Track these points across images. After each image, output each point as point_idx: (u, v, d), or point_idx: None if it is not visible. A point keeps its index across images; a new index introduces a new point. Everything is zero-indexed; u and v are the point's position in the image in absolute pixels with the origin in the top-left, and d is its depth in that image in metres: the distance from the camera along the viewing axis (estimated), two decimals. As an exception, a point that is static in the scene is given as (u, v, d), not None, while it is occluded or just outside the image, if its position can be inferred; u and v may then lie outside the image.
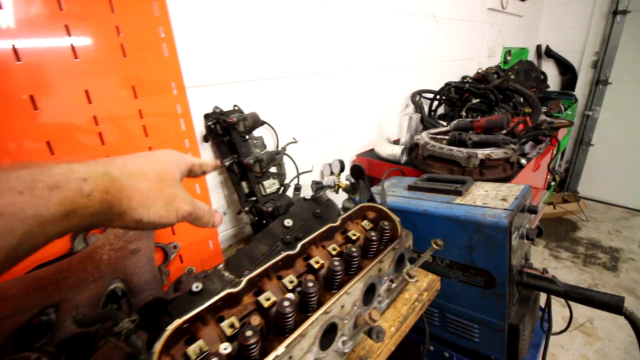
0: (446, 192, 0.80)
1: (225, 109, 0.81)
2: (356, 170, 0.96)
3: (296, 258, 0.55)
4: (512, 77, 2.32)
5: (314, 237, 0.59)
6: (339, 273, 0.54)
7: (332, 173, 1.07)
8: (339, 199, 1.05)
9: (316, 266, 0.53)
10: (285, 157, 0.87)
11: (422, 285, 0.72)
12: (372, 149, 1.29)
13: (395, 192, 0.89)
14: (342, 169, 1.06)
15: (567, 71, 3.03)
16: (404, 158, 1.14)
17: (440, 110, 1.73)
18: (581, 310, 1.80)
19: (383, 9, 1.28)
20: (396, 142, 1.33)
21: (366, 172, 1.21)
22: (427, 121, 1.35)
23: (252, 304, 0.45)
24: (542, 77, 2.36)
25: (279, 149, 0.90)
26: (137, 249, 0.51)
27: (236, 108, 0.79)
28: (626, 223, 2.66)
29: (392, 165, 1.13)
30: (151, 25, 0.61)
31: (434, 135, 1.10)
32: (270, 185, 0.80)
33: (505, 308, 0.67)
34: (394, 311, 0.66)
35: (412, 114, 1.24)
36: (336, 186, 1.02)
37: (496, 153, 0.92)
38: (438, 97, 1.56)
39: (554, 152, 1.57)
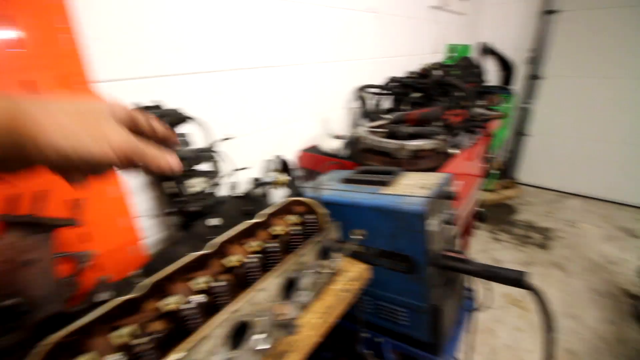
0: (374, 183, 0.83)
1: (148, 105, 0.77)
2: (283, 165, 0.96)
3: (211, 258, 0.54)
4: (457, 72, 2.45)
5: (231, 235, 0.58)
6: (254, 270, 0.54)
7: (290, 168, 1.07)
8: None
9: (229, 265, 0.53)
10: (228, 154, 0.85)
11: (350, 275, 0.74)
12: (317, 145, 1.30)
13: (331, 185, 0.90)
14: (284, 165, 1.06)
15: (507, 67, 3.25)
16: (347, 151, 1.17)
17: (388, 105, 1.79)
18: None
19: (322, 3, 1.28)
20: (342, 136, 1.35)
21: (312, 167, 1.22)
22: (370, 115, 1.38)
23: (155, 309, 0.44)
24: (482, 72, 2.51)
25: (212, 145, 0.87)
26: (31, 260, 0.47)
27: (155, 104, 0.75)
28: (557, 205, 2.93)
29: (335, 159, 1.15)
30: (44, 15, 0.56)
31: (373, 129, 1.13)
32: (196, 184, 0.78)
33: (426, 291, 0.72)
34: (321, 303, 0.67)
35: (354, 108, 1.26)
36: (274, 182, 1.01)
37: (426, 144, 0.97)
38: (383, 91, 1.61)
39: (489, 142, 1.68)
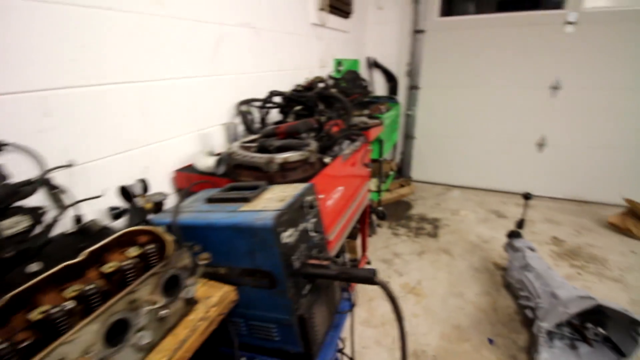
0: (237, 200, 0.81)
1: None
2: (124, 193, 0.88)
3: (11, 314, 0.44)
4: (344, 84, 2.63)
5: (36, 282, 0.49)
6: (60, 321, 0.46)
7: (134, 195, 0.96)
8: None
9: (34, 318, 0.44)
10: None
11: (212, 301, 0.70)
12: (193, 163, 1.23)
13: (193, 207, 0.85)
14: (145, 189, 0.96)
15: (391, 79, 3.63)
16: (222, 169, 1.12)
17: (279, 118, 1.81)
18: (413, 276, 2.17)
19: (190, 17, 1.23)
20: (218, 153, 1.30)
21: (190, 189, 1.14)
22: (250, 130, 1.37)
23: None
24: (367, 84, 2.76)
25: (40, 177, 0.74)
26: None
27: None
28: (443, 197, 3.35)
29: (207, 177, 1.10)
30: None
31: (245, 144, 1.12)
32: (13, 225, 0.65)
33: (289, 303, 0.71)
34: (172, 338, 0.61)
35: (229, 123, 1.23)
36: (137, 209, 0.91)
37: (293, 156, 0.99)
38: (266, 105, 1.62)
39: (369, 148, 1.82)
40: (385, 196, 3.12)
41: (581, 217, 2.85)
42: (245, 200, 0.80)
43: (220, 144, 1.42)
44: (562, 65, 2.90)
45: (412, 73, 3.48)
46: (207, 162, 1.14)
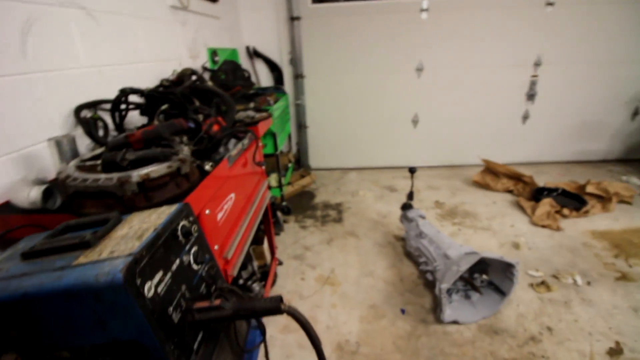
0: (69, 248, 0.56)
1: None
2: None
3: None
4: (223, 76, 2.38)
5: None
6: None
7: None
8: None
9: None
10: None
11: (43, 412, 0.46)
12: (11, 199, 0.87)
13: (3, 271, 0.57)
14: None
15: (275, 69, 3.51)
16: (55, 202, 0.82)
17: (144, 121, 1.48)
18: (326, 265, 2.15)
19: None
20: (48, 180, 0.96)
21: (3, 237, 0.80)
22: (99, 142, 1.06)
23: None
24: (249, 75, 2.57)
25: None
26: None
27: None
28: (342, 181, 3.47)
29: (34, 217, 0.78)
30: None
31: (84, 162, 0.83)
32: None
33: (174, 371, 0.53)
34: None
35: (60, 137, 0.91)
36: None
37: (157, 170, 0.77)
38: (120, 107, 1.29)
39: (261, 143, 1.67)
40: (288, 190, 3.04)
41: (453, 180, 3.32)
42: (85, 245, 0.56)
43: (52, 167, 1.06)
44: (422, 49, 3.26)
45: (295, 61, 3.43)
46: (31, 195, 0.81)
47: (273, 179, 2.62)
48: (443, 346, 1.53)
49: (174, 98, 1.30)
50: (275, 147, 2.39)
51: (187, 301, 0.60)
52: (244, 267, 1.63)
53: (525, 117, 3.48)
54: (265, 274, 1.83)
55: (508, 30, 3.15)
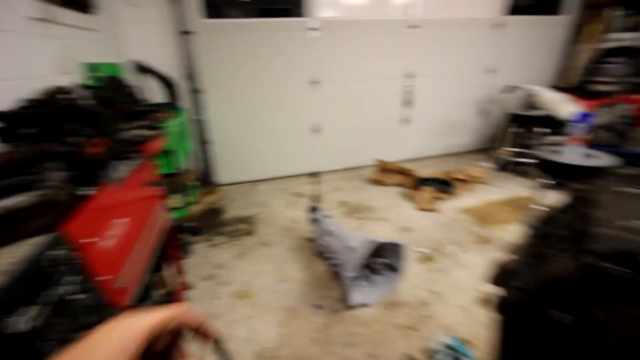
0: None
1: None
2: None
3: None
4: (107, 93, 2.18)
5: None
6: None
7: None
8: None
9: None
10: None
11: None
12: None
13: None
14: None
15: (168, 84, 3.34)
16: None
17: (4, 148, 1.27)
18: (240, 280, 2.14)
19: None
20: None
21: None
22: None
23: None
24: (135, 91, 2.41)
25: None
26: None
27: None
28: (252, 193, 3.48)
29: None
30: None
31: None
32: None
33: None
34: None
35: None
36: None
37: (21, 201, 0.71)
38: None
39: (154, 163, 1.60)
40: (195, 209, 2.91)
41: (354, 180, 3.66)
42: None
43: None
44: (316, 64, 3.53)
45: (192, 76, 3.33)
46: None
47: (176, 200, 2.49)
48: (353, 328, 1.69)
49: (43, 120, 1.17)
50: (175, 165, 2.29)
51: (68, 333, 0.58)
52: (146, 296, 1.53)
53: (407, 120, 4.06)
54: (171, 302, 1.74)
55: (386, 47, 3.66)
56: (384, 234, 2.56)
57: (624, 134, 3.10)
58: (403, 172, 3.45)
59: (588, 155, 1.77)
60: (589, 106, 3.43)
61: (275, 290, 2.03)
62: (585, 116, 1.92)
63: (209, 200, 3.14)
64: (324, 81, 3.61)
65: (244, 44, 3.34)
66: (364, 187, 3.46)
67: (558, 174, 1.84)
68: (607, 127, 3.17)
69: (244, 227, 2.79)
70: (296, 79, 3.55)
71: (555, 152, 1.86)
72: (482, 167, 3.73)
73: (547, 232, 0.79)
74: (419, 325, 1.68)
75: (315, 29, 3.41)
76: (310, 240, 2.50)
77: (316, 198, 2.43)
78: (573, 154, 1.80)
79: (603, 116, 3.22)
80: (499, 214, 2.75)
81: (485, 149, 4.46)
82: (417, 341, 1.60)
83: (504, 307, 0.59)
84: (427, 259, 2.20)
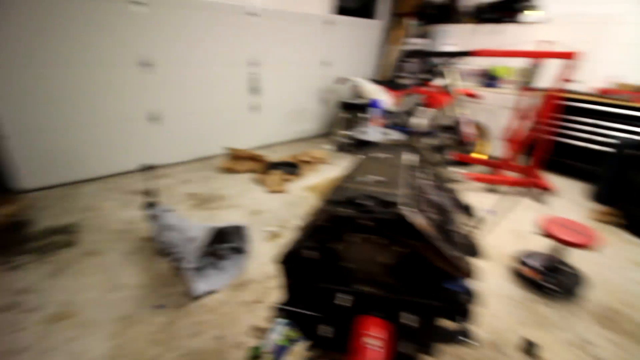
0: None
1: None
2: None
3: None
4: None
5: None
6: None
7: None
8: None
9: None
10: None
11: None
12: None
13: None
14: None
15: None
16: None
17: None
18: (56, 301, 1.75)
19: None
20: None
21: None
22: None
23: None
24: None
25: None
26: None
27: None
28: (74, 197, 2.87)
29: None
30: None
31: None
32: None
33: None
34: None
35: None
36: None
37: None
38: None
39: None
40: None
41: (205, 171, 3.50)
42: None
43: None
44: (144, 42, 3.11)
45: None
46: None
47: None
48: (200, 317, 1.64)
49: None
50: None
51: None
52: None
53: (256, 108, 4.12)
54: None
55: (226, 33, 3.56)
56: (235, 220, 2.56)
57: (414, 116, 4.05)
58: (254, 158, 3.52)
59: (384, 134, 2.23)
60: (396, 96, 4.30)
61: (104, 303, 1.75)
62: (376, 103, 2.41)
63: (4, 212, 2.41)
64: (158, 64, 3.25)
65: (50, 16, 2.64)
66: (215, 177, 3.35)
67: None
68: (407, 112, 4.07)
69: (60, 238, 2.27)
70: (121, 60, 3.06)
71: (364, 132, 2.26)
72: (324, 149, 4.18)
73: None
74: (265, 297, 1.78)
75: (140, 3, 3.00)
76: (150, 239, 2.26)
77: (152, 193, 2.20)
78: (375, 133, 2.23)
79: (405, 104, 4.10)
80: (336, 188, 3.15)
81: (327, 133, 5.01)
82: (263, 312, 1.68)
83: (282, 257, 0.68)
84: (274, 236, 2.33)
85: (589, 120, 3.59)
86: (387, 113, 4.02)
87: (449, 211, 0.81)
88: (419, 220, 0.58)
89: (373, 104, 2.39)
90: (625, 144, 2.98)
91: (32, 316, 1.67)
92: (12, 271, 1.97)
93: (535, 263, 2.00)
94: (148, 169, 2.14)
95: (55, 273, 1.96)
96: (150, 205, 2.14)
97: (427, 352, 0.63)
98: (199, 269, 1.81)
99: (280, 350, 1.40)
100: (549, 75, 3.62)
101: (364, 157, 0.97)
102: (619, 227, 2.75)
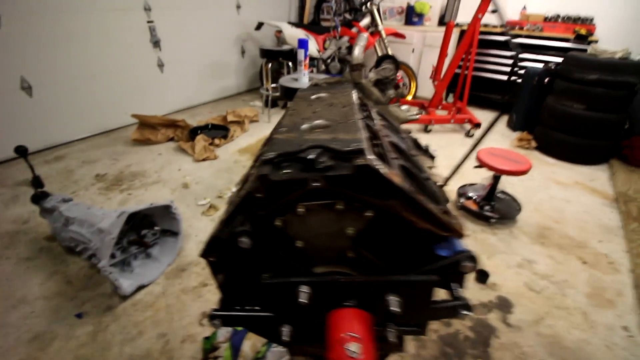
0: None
1: None
2: None
3: None
4: None
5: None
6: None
7: None
8: None
9: None
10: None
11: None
12: None
13: None
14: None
15: None
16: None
17: None
18: None
19: None
20: None
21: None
22: None
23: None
24: None
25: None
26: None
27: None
28: None
29: None
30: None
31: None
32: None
33: None
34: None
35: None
36: None
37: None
38: None
39: None
40: None
41: (113, 146, 2.95)
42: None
43: None
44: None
45: None
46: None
47: None
48: (134, 318, 1.41)
49: None
50: None
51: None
52: None
53: (161, 65, 3.51)
54: None
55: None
56: (162, 197, 2.22)
57: (343, 61, 3.86)
58: (172, 124, 3.05)
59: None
60: (320, 40, 4.02)
61: (7, 325, 1.40)
62: (305, 43, 2.17)
63: None
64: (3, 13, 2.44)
65: None
66: (127, 151, 2.85)
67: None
68: (333, 57, 3.85)
69: None
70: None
71: (294, 79, 2.03)
72: (252, 106, 3.83)
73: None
74: (211, 278, 1.59)
75: None
76: (53, 237, 1.85)
77: (36, 181, 1.74)
78: (307, 79, 2.02)
79: (330, 48, 3.86)
80: (272, 147, 2.93)
81: (254, 88, 4.59)
82: (212, 295, 1.51)
83: (204, 248, 0.49)
84: (211, 209, 2.09)
85: (503, 53, 3.80)
86: (313, 59, 3.75)
87: (414, 156, 0.69)
88: (393, 172, 0.44)
89: (302, 44, 2.13)
90: (542, 73, 3.22)
91: None
92: None
93: (474, 194, 2.11)
94: (21, 151, 1.66)
95: None
96: (41, 196, 1.71)
97: (423, 332, 0.53)
98: (122, 263, 1.53)
99: (237, 336, 1.27)
100: (467, 10, 3.66)
101: (298, 98, 0.78)
102: (534, 149, 3.07)
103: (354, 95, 0.75)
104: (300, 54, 2.11)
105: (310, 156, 0.45)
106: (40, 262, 1.71)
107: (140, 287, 1.52)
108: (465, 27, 3.32)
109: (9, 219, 2.03)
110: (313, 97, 0.78)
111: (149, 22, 3.25)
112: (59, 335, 1.35)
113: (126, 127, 3.27)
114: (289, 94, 1.95)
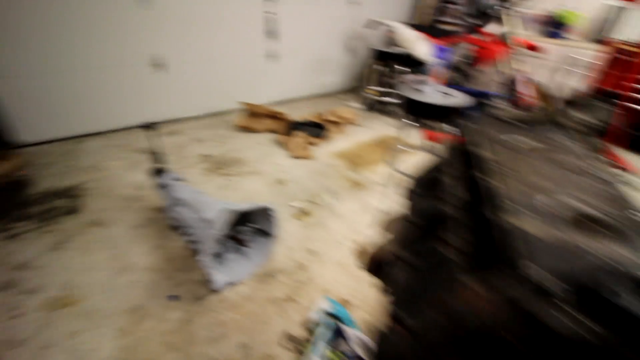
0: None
1: None
2: None
3: None
4: None
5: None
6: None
7: None
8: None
9: None
10: None
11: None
12: None
13: None
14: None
15: None
16: None
17: None
18: (57, 281, 1.53)
19: None
20: None
21: None
22: None
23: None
24: None
25: None
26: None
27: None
28: (76, 153, 2.57)
29: None
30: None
31: None
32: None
33: None
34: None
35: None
36: None
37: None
38: None
39: None
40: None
41: (219, 128, 3.12)
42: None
43: None
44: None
45: None
46: None
47: None
48: (220, 316, 1.40)
49: None
50: None
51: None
52: None
53: (275, 56, 3.58)
54: None
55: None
56: (255, 190, 2.24)
57: (465, 72, 3.46)
58: (274, 116, 3.10)
59: (445, 94, 1.77)
60: (438, 45, 3.67)
61: (112, 288, 1.52)
62: (443, 52, 1.92)
63: (1, 170, 2.14)
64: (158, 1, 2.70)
65: None
66: (230, 136, 2.98)
67: (420, 113, 1.81)
68: (452, 66, 3.47)
69: (63, 203, 2.01)
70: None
71: (418, 90, 1.81)
72: (351, 107, 3.70)
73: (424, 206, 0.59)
74: (297, 294, 1.51)
75: None
76: (161, 210, 1.98)
77: (160, 157, 1.87)
78: (434, 92, 1.78)
79: (457, 55, 3.49)
80: (369, 156, 2.77)
81: (354, 88, 4.46)
82: (296, 314, 1.43)
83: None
84: (302, 213, 2.02)
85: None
86: (448, 66, 3.40)
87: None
88: None
89: (440, 53, 1.89)
90: None
91: (32, 299, 1.45)
92: (10, 241, 1.74)
93: None
94: (149, 127, 1.78)
95: (56, 246, 1.72)
96: (158, 172, 1.82)
97: None
98: (218, 256, 1.53)
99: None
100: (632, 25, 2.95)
101: (491, 141, 0.57)
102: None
103: (589, 153, 0.52)
104: (434, 63, 1.88)
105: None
106: (147, 232, 1.84)
107: (229, 285, 1.51)
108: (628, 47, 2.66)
109: (128, 182, 2.26)
110: (519, 143, 0.57)
111: (268, 12, 3.32)
112: (152, 312, 1.41)
113: (231, 111, 3.43)
114: (412, 106, 1.73)
